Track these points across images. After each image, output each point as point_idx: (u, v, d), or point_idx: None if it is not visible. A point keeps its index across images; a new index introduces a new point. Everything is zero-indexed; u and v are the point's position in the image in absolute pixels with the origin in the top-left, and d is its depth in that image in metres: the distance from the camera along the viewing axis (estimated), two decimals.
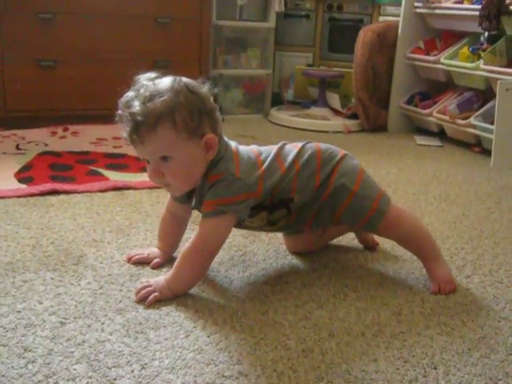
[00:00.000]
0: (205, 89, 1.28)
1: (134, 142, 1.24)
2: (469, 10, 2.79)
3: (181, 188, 1.33)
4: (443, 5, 2.95)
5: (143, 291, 1.29)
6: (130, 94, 1.23)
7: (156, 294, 1.28)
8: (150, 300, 1.27)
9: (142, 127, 1.20)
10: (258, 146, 1.42)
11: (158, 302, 1.28)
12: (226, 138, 1.35)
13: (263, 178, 1.32)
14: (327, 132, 3.18)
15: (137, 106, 1.20)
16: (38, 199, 1.89)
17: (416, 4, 3.10)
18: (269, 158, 1.36)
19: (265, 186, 1.32)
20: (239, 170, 1.29)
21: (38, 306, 1.25)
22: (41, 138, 2.66)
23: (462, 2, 2.87)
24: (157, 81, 1.25)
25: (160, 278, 1.33)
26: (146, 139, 1.21)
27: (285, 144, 1.42)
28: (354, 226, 1.49)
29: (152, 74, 1.27)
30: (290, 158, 1.37)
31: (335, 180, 1.38)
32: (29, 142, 2.59)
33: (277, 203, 1.36)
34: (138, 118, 1.19)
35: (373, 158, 2.63)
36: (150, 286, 1.30)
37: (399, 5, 3.23)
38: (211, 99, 1.29)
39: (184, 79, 1.26)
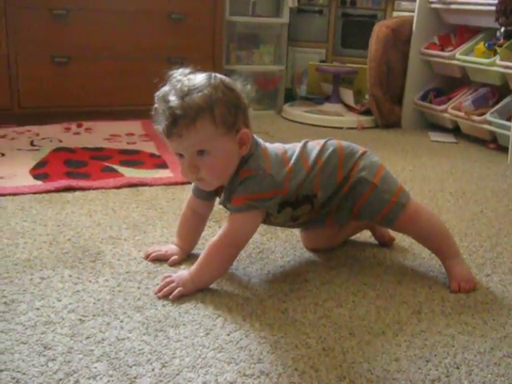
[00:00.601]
0: (238, 85, 1.29)
1: (171, 136, 1.24)
2: (485, 5, 2.76)
3: (214, 183, 1.34)
4: (459, 0, 2.91)
5: (167, 288, 1.29)
6: (166, 88, 1.25)
7: (180, 288, 1.29)
8: (175, 295, 1.28)
9: (181, 121, 1.21)
10: (283, 144, 1.43)
11: (178, 300, 1.27)
12: (255, 136, 1.35)
13: (289, 175, 1.34)
14: (341, 128, 3.16)
15: (175, 100, 1.21)
16: (54, 196, 1.89)
17: None
18: (294, 156, 1.38)
19: (291, 183, 1.34)
20: (270, 166, 1.32)
21: (57, 303, 1.25)
22: (55, 134, 2.66)
23: None
24: (191, 76, 1.26)
25: (183, 273, 1.34)
26: (185, 133, 1.22)
27: (307, 142, 1.44)
28: (373, 220, 1.47)
29: (186, 70, 1.28)
30: (313, 156, 1.39)
31: (356, 173, 1.39)
32: (43, 139, 2.59)
33: (301, 199, 1.37)
34: (177, 111, 1.20)
35: (387, 155, 2.62)
36: (173, 281, 1.31)
37: (413, 0, 3.21)
38: (244, 96, 1.30)
39: (219, 75, 1.28)
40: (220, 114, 1.22)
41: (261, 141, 1.37)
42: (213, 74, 1.27)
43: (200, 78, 1.25)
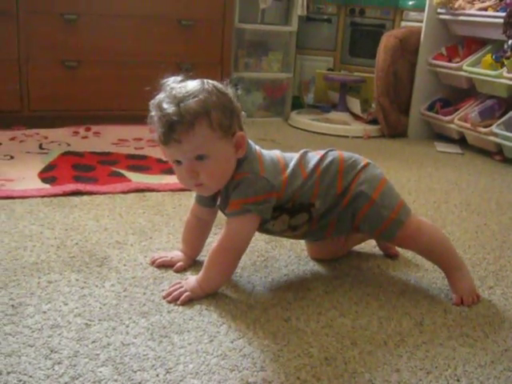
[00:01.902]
0: (229, 90, 1.31)
1: (169, 143, 1.25)
2: (492, 17, 2.78)
3: (214, 187, 1.35)
4: (467, 11, 2.93)
5: (175, 292, 1.32)
6: (161, 96, 1.26)
7: (188, 293, 1.31)
8: (183, 299, 1.30)
9: (178, 126, 1.22)
10: (281, 152, 1.44)
11: (184, 306, 1.29)
12: (249, 140, 1.37)
13: (286, 182, 1.35)
14: (347, 137, 3.17)
15: (170, 107, 1.22)
16: (62, 200, 1.91)
17: (439, 10, 3.08)
18: (291, 164, 1.38)
19: (287, 190, 1.34)
20: (264, 169, 1.33)
21: (64, 307, 1.27)
22: (63, 138, 2.68)
23: (486, 9, 2.85)
24: (184, 83, 1.28)
25: (191, 279, 1.36)
26: (184, 138, 1.23)
27: (307, 151, 1.44)
28: (372, 235, 1.49)
29: (178, 78, 1.30)
30: (311, 164, 1.39)
31: (355, 187, 1.39)
32: (51, 142, 2.61)
33: (298, 207, 1.37)
34: (174, 118, 1.21)
35: (393, 165, 2.63)
36: (182, 286, 1.33)
37: (422, 10, 3.22)
38: (236, 99, 1.32)
39: (211, 81, 1.30)
40: (216, 118, 1.24)
41: (255, 145, 1.38)
42: (205, 80, 1.29)
43: (193, 85, 1.27)
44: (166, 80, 1.29)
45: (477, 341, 1.24)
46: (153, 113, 1.26)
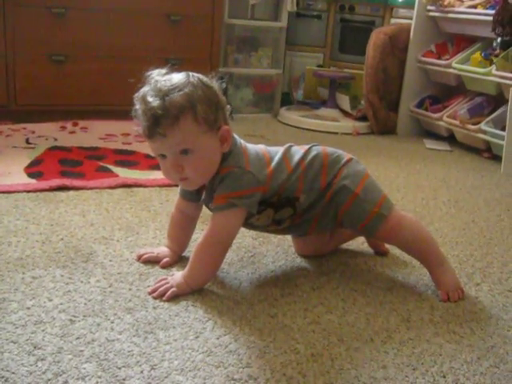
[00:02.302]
0: (215, 84, 1.30)
1: (154, 137, 1.24)
2: (482, 14, 2.78)
3: (198, 181, 1.34)
4: (456, 9, 2.93)
5: (161, 288, 1.31)
6: (145, 89, 1.25)
7: (174, 289, 1.30)
8: (169, 295, 1.29)
9: (163, 120, 1.21)
10: (266, 146, 1.43)
11: (169, 302, 1.28)
12: (235, 135, 1.36)
13: (271, 175, 1.34)
14: (336, 133, 3.17)
15: (156, 100, 1.21)
16: (48, 195, 1.89)
17: (429, 7, 3.08)
18: (276, 157, 1.38)
19: (272, 183, 1.34)
20: (249, 163, 1.32)
21: (48, 303, 1.25)
22: (50, 133, 2.66)
23: (475, 7, 2.85)
24: (168, 76, 1.26)
25: (177, 274, 1.35)
26: (169, 132, 1.22)
27: (291, 146, 1.44)
28: (355, 229, 1.49)
29: (163, 71, 1.29)
30: (296, 159, 1.39)
31: (338, 181, 1.39)
32: (38, 137, 2.59)
33: (283, 202, 1.37)
34: (159, 111, 1.20)
35: (382, 161, 2.63)
36: (167, 282, 1.32)
37: (411, 7, 3.22)
38: (221, 93, 1.31)
39: (196, 74, 1.28)
40: (202, 112, 1.23)
41: (240, 140, 1.38)
42: (190, 73, 1.27)
43: (178, 78, 1.25)
44: (150, 73, 1.28)
45: (463, 337, 1.24)
46: (137, 106, 1.25)
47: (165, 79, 1.25)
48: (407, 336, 1.23)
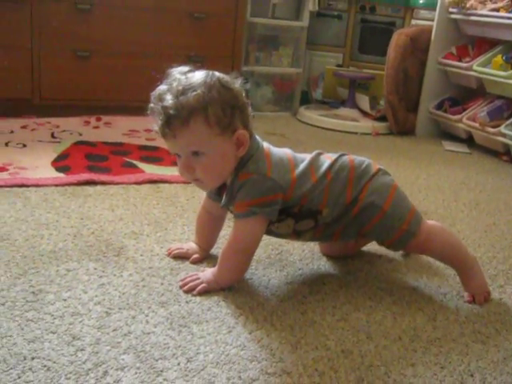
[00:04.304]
0: (237, 84, 1.28)
1: (166, 136, 1.25)
2: (504, 18, 2.79)
3: (210, 184, 1.34)
4: (479, 12, 2.94)
5: (192, 283, 1.33)
6: (163, 87, 1.24)
7: (204, 284, 1.33)
8: (199, 290, 1.32)
9: (174, 121, 1.21)
10: (292, 151, 1.41)
11: (201, 295, 1.32)
12: (258, 138, 1.35)
13: (294, 183, 1.32)
14: (355, 133, 3.19)
15: (169, 99, 1.21)
16: (76, 189, 1.93)
17: (451, 10, 3.09)
18: (302, 165, 1.35)
19: (295, 191, 1.32)
20: (270, 170, 1.30)
21: (83, 295, 1.29)
22: (74, 127, 2.70)
23: (497, 10, 2.86)
24: (190, 75, 1.25)
25: (208, 271, 1.37)
26: (179, 133, 1.22)
27: (320, 154, 1.41)
28: (381, 244, 1.45)
29: (185, 68, 1.28)
30: (322, 169, 1.36)
31: (365, 197, 1.35)
32: (63, 131, 2.63)
33: (305, 213, 1.35)
34: (171, 111, 1.20)
35: (402, 162, 2.65)
36: (198, 278, 1.35)
37: (433, 9, 3.23)
38: (243, 95, 1.29)
39: (217, 74, 1.27)
40: (214, 114, 1.21)
41: (265, 144, 1.36)
42: (210, 73, 1.25)
43: (197, 77, 1.24)
44: (172, 70, 1.27)
45: (489, 337, 1.26)
46: (152, 104, 1.25)
47: (183, 78, 1.24)
48: (434, 335, 1.25)
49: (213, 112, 1.21)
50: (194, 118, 1.21)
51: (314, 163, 1.36)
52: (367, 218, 1.36)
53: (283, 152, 1.38)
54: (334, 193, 1.35)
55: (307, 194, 1.32)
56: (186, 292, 1.33)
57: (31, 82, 2.83)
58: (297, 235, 1.41)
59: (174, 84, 1.23)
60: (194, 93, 1.20)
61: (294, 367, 1.10)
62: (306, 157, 1.38)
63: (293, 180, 1.31)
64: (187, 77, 1.24)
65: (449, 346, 1.22)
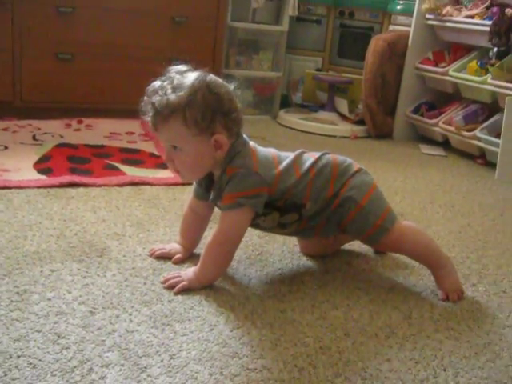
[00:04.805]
0: (227, 88, 1.34)
1: (152, 128, 1.35)
2: (479, 24, 2.86)
3: (188, 176, 1.45)
4: (454, 18, 3.01)
5: (172, 280, 1.37)
6: (157, 83, 1.33)
7: (185, 283, 1.36)
8: (179, 288, 1.35)
9: (158, 117, 1.31)
10: (277, 150, 1.47)
11: (183, 294, 1.35)
12: (245, 136, 1.41)
13: (279, 177, 1.38)
14: (334, 136, 3.24)
15: (157, 96, 1.30)
16: (58, 191, 1.95)
17: (427, 16, 3.16)
18: (285, 162, 1.42)
19: (279, 185, 1.38)
20: (257, 165, 1.37)
21: (67, 295, 1.31)
22: (56, 130, 2.71)
23: (472, 17, 2.93)
24: (185, 74, 1.32)
25: (189, 270, 1.41)
26: (160, 128, 1.33)
27: (303, 152, 1.48)
28: (358, 238, 1.54)
29: (183, 67, 1.35)
30: (305, 166, 1.43)
31: (345, 192, 1.43)
32: (44, 133, 2.64)
33: (289, 207, 1.41)
34: (156, 108, 1.30)
35: (379, 165, 2.70)
36: (180, 276, 1.38)
37: (410, 15, 3.29)
38: (233, 99, 1.34)
39: (209, 77, 1.32)
40: (191, 117, 1.29)
41: (251, 142, 1.42)
42: (202, 75, 1.32)
43: (188, 78, 1.31)
44: (171, 67, 1.35)
45: (461, 334, 1.31)
46: (145, 97, 1.33)
47: (178, 77, 1.31)
48: (409, 332, 1.30)
49: (190, 114, 1.29)
50: (174, 117, 1.29)
51: (297, 160, 1.44)
52: (345, 212, 1.43)
53: (268, 151, 1.45)
54: (317, 187, 1.42)
55: (291, 188, 1.39)
56: (166, 289, 1.36)
57: (12, 85, 2.84)
58: (281, 227, 1.47)
59: (166, 82, 1.31)
60: (180, 93, 1.28)
61: (274, 363, 1.13)
62: (290, 155, 1.45)
63: (277, 175, 1.38)
64: (181, 76, 1.31)
65: (423, 342, 1.26)
